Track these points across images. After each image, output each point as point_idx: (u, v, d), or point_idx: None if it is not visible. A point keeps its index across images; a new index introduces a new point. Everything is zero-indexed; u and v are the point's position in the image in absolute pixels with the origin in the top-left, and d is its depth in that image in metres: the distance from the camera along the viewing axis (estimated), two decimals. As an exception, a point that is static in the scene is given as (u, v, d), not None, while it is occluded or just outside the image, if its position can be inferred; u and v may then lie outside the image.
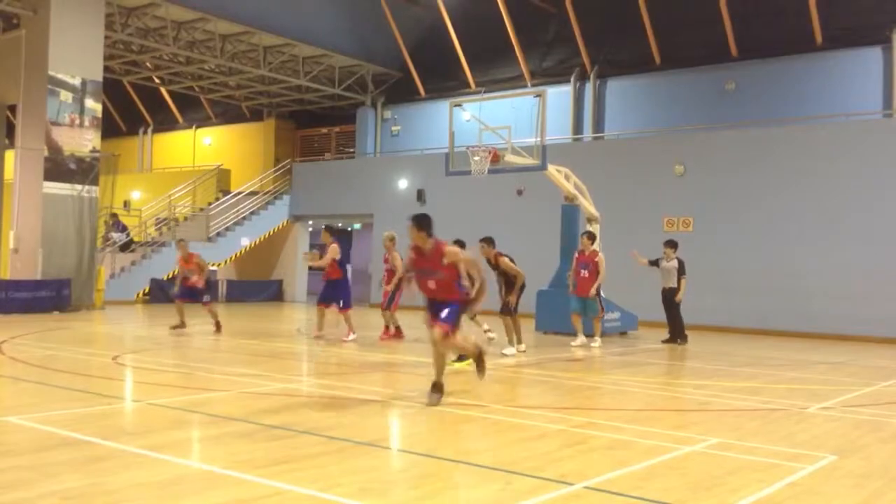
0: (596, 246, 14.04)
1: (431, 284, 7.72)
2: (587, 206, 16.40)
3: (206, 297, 14.55)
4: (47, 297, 18.06)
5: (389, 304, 13.58)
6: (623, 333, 16.25)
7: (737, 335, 17.92)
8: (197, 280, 14.33)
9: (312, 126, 30.45)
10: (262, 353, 11.95)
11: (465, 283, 7.75)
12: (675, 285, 14.54)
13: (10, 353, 10.83)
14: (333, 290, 13.72)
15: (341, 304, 13.69)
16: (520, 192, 21.77)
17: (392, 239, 13.49)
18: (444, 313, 7.57)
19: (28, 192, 19.19)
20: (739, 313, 18.79)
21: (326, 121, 29.85)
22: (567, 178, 16.23)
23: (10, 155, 21.63)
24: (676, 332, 14.80)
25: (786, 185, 18.71)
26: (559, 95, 23.05)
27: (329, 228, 14.19)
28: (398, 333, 13.87)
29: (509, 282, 12.12)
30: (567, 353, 12.82)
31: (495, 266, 12.06)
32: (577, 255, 14.06)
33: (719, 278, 18.92)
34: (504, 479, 4.93)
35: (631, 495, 4.64)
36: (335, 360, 11.51)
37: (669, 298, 14.66)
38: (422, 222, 7.62)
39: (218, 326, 14.43)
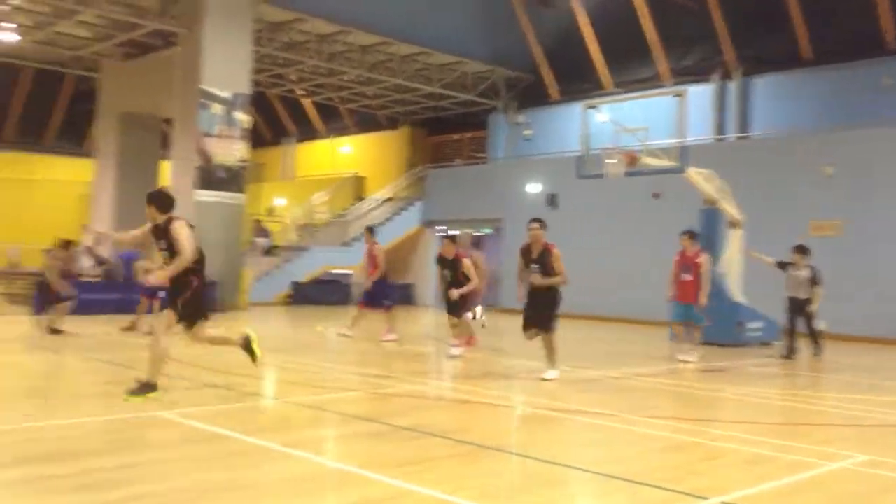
0: (699, 246, 12.52)
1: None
2: (729, 209, 15.67)
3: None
4: (197, 298, 19.14)
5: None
6: (766, 343, 15.45)
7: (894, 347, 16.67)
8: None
9: (444, 132, 30.85)
10: (394, 355, 12.19)
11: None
12: (806, 296, 13.13)
13: (165, 350, 11.55)
14: (379, 292, 13.64)
15: (385, 305, 13.62)
16: (657, 196, 21.17)
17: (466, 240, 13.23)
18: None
19: (181, 199, 20.32)
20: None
21: (458, 127, 30.16)
22: (708, 180, 15.62)
23: (166, 165, 23.14)
24: (793, 347, 13.25)
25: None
26: (700, 94, 22.24)
27: (370, 229, 14.21)
28: (471, 340, 13.02)
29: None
30: (706, 363, 12.31)
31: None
32: (676, 256, 12.47)
33: (873, 285, 17.68)
34: (630, 491, 4.80)
35: (769, 514, 4.40)
36: (463, 365, 11.58)
37: (797, 309, 13.28)
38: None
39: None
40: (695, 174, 15.30)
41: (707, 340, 14.10)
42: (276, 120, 34.60)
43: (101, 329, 13.79)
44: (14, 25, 21.16)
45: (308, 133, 34.43)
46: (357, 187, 30.53)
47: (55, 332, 12.69)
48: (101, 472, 4.89)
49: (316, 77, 26.68)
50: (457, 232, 12.62)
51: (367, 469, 5.04)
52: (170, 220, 7.25)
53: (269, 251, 25.71)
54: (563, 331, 10.25)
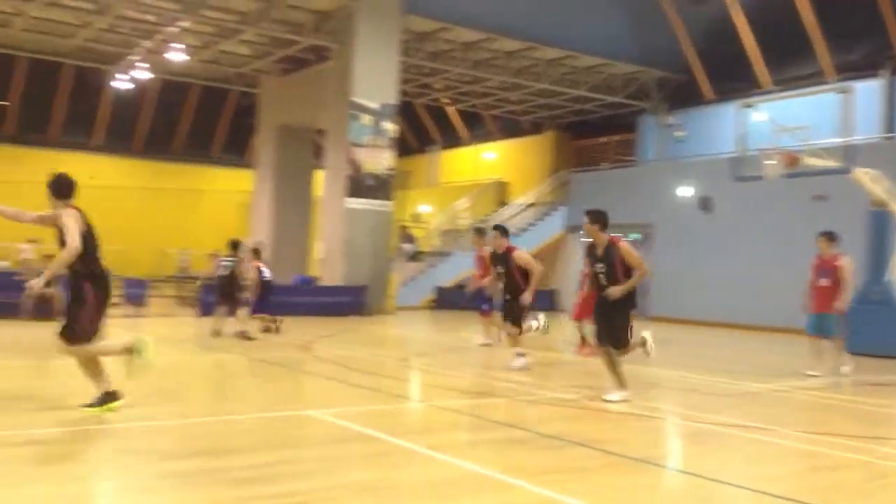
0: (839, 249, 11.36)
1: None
2: (900, 212, 14.52)
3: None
4: (347, 301, 19.84)
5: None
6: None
7: None
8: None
9: (590, 136, 30.38)
10: (537, 361, 12.07)
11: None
12: None
13: (317, 352, 12.02)
14: (479, 296, 13.26)
15: (485, 308, 13.24)
16: (820, 198, 19.90)
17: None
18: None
19: (333, 207, 21.24)
20: None
21: (604, 130, 29.62)
22: (876, 181, 14.53)
23: (319, 174, 24.12)
24: None
25: None
26: (868, 90, 20.72)
27: (479, 231, 13.77)
28: (587, 348, 12.35)
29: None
30: (884, 377, 11.41)
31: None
32: (814, 260, 11.41)
33: None
34: (792, 512, 4.50)
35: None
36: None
37: None
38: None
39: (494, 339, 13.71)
40: (862, 175, 14.27)
41: (873, 352, 13.10)
42: (422, 128, 35.30)
43: (260, 331, 14.47)
44: (183, 46, 22.73)
45: (452, 140, 34.89)
46: (500, 193, 30.62)
47: (244, 335, 13.00)
48: (259, 467, 5.13)
49: (460, 85, 27.00)
50: (498, 224, 10.83)
51: (508, 475, 5.01)
52: (64, 208, 6.43)
53: (415, 257, 26.23)
54: (717, 338, 9.80)
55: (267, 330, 14.20)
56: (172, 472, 4.96)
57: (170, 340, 13.23)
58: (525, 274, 10.09)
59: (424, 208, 32.87)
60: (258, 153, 26.72)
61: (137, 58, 24.11)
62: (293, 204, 25.15)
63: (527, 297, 9.95)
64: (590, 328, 12.05)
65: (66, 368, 10.21)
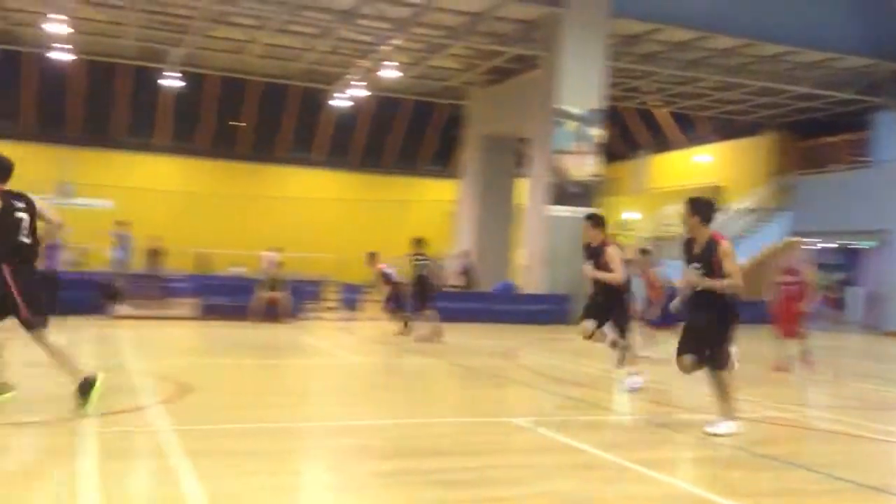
0: None
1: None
2: None
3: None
4: (549, 310, 19.69)
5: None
6: None
7: None
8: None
9: (816, 136, 28.11)
10: (751, 377, 11.28)
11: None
12: None
13: (520, 359, 12.01)
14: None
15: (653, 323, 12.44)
16: None
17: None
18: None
19: (536, 214, 21.21)
20: None
21: (832, 129, 27.28)
22: None
23: (522, 183, 24.21)
24: None
25: None
26: None
27: (644, 252, 12.79)
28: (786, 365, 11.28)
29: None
30: None
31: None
32: None
33: None
34: None
35: None
36: (831, 390, 10.34)
37: None
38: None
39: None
40: None
41: None
42: (630, 133, 34.45)
43: (462, 337, 14.71)
44: (396, 63, 23.76)
45: (662, 144, 33.73)
46: (715, 198, 29.11)
47: (426, 338, 13.50)
48: (459, 471, 5.16)
49: (672, 86, 26.04)
50: (593, 211, 9.63)
51: (723, 496, 4.68)
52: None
53: (622, 265, 25.55)
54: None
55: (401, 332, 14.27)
56: (379, 471, 5.11)
57: (376, 343, 13.80)
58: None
59: (632, 215, 32.02)
60: (463, 163, 27.32)
61: (355, 77, 25.52)
62: (496, 212, 25.45)
63: (587, 270, 8.74)
64: (791, 344, 11.35)
65: (278, 369, 10.95)
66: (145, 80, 28.20)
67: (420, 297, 13.86)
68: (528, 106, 22.06)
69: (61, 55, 23.97)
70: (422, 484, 4.81)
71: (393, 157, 35.19)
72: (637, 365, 9.08)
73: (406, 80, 25.82)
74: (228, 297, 17.01)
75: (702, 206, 6.74)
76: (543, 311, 19.58)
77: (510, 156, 26.15)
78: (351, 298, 20.53)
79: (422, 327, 13.81)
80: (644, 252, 13.24)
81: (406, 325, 14.34)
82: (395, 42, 22.03)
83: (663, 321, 12.35)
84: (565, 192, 20.69)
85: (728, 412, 6.64)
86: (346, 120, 32.38)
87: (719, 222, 25.71)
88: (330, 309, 20.00)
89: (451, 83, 26.47)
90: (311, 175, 33.93)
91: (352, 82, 25.87)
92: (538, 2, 20.13)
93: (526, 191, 22.48)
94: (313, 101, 30.85)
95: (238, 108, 31.40)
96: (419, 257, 14.12)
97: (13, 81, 28.13)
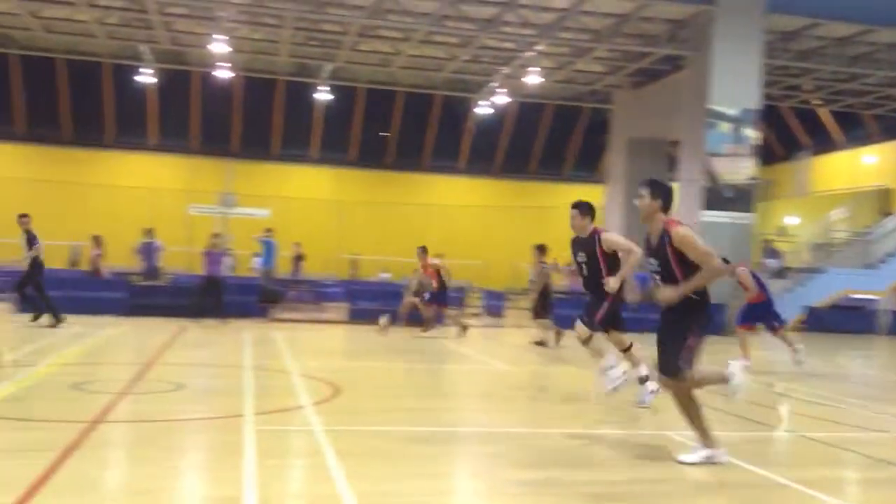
0: None
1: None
2: None
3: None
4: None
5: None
6: None
7: None
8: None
9: None
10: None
11: None
12: None
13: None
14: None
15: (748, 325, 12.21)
16: None
17: None
18: None
19: (687, 219, 20.23)
20: None
21: None
22: None
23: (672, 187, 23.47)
24: None
25: None
26: None
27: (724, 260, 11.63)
28: None
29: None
30: None
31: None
32: None
33: None
34: None
35: None
36: None
37: None
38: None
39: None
40: None
41: None
42: (789, 133, 32.65)
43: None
44: (539, 69, 23.68)
45: (824, 144, 31.76)
46: (883, 201, 27.09)
47: (540, 343, 13.64)
48: (609, 484, 5.03)
49: (834, 84, 24.50)
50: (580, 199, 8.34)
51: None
52: None
53: (780, 273, 24.23)
54: None
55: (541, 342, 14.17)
56: (525, 480, 5.06)
57: (522, 350, 13.74)
58: (614, 261, 7.79)
59: (792, 220, 30.31)
60: (609, 167, 26.82)
61: (496, 84, 25.64)
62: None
63: (613, 283, 7.56)
64: None
65: (424, 374, 11.09)
66: (298, 94, 29.57)
67: (543, 303, 14.06)
68: (677, 107, 21.39)
69: (223, 73, 25.54)
70: (568, 495, 4.72)
71: (536, 163, 35.07)
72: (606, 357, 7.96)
73: (549, 84, 25.70)
74: (376, 302, 17.49)
75: (664, 190, 5.63)
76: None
77: (659, 159, 25.42)
78: (495, 305, 20.59)
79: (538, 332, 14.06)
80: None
81: (558, 333, 14.22)
82: (538, 48, 21.95)
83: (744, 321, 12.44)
84: (719, 197, 19.88)
85: (701, 437, 5.61)
86: (489, 127, 32.61)
87: (889, 229, 24.01)
88: (474, 315, 20.13)
89: (595, 86, 26.10)
90: (455, 182, 34.39)
91: (494, 89, 26.01)
92: (688, 1, 19.48)
93: (678, 195, 21.77)
94: (456, 110, 31.28)
95: (385, 118, 32.30)
96: (543, 264, 14.22)
97: (182, 100, 30.22)
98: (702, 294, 5.48)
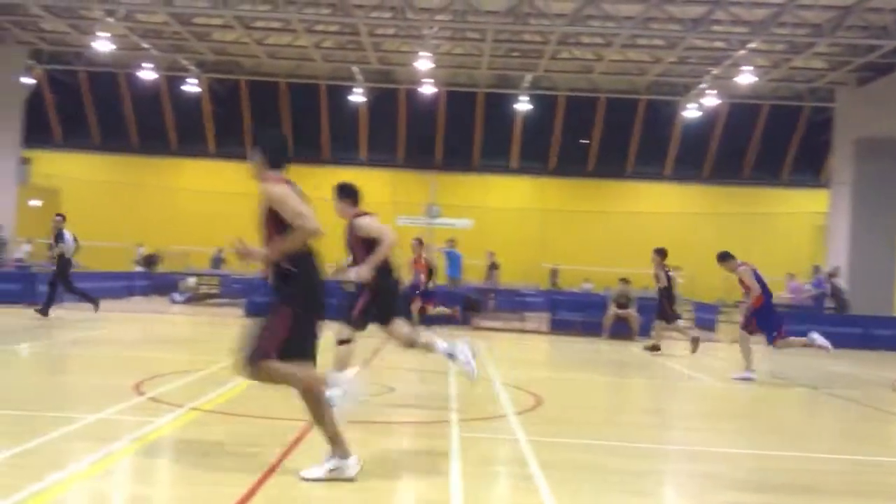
0: None
1: None
2: None
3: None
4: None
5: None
6: None
7: None
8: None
9: None
10: None
11: None
12: None
13: None
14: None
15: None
16: None
17: None
18: None
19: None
20: None
21: None
22: None
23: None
24: None
25: None
26: None
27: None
28: None
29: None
30: None
31: None
32: None
33: None
34: None
35: None
36: None
37: None
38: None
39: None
40: None
41: None
42: None
43: (837, 364, 13.25)
44: (751, 68, 22.37)
45: None
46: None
47: (654, 348, 13.59)
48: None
49: None
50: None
51: None
52: None
53: None
54: None
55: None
56: (742, 503, 4.73)
57: (734, 365, 12.97)
58: (371, 247, 7.10)
59: None
60: (833, 171, 24.81)
61: (705, 85, 24.55)
62: (875, 225, 22.59)
63: (363, 272, 6.93)
64: None
65: (629, 387, 10.75)
66: (498, 105, 29.97)
67: (668, 309, 13.92)
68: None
69: (428, 88, 26.43)
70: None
71: (750, 168, 33.14)
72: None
73: (763, 84, 24.25)
74: (578, 313, 17.26)
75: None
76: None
77: (893, 160, 23.17)
78: (707, 319, 19.67)
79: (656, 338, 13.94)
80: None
81: (695, 340, 13.85)
82: (751, 46, 20.76)
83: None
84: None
85: (333, 445, 4.72)
86: (697, 131, 31.26)
87: None
88: (682, 328, 19.31)
89: (815, 84, 24.27)
90: (661, 189, 33.26)
91: (703, 91, 24.95)
92: (923, -15, 17.63)
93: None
94: (661, 114, 30.30)
95: (585, 126, 31.92)
96: (668, 269, 14.04)
97: (390, 116, 31.65)
98: (297, 265, 4.60)
